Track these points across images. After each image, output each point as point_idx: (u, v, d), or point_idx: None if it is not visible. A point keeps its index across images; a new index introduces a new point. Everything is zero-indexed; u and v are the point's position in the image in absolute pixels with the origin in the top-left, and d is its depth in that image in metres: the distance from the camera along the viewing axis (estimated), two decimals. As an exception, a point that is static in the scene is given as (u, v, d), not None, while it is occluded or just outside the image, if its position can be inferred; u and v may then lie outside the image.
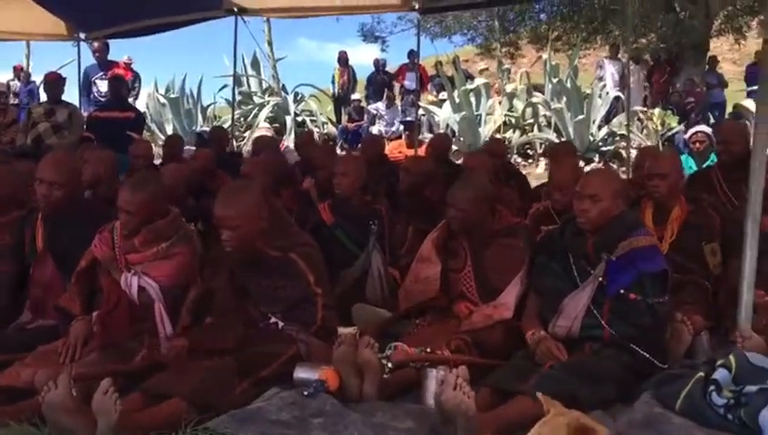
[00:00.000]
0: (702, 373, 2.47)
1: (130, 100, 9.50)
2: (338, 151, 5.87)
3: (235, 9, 7.08)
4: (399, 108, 12.88)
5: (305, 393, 2.61)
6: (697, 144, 6.89)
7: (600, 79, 12.55)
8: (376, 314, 3.75)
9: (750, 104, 11.35)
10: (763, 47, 3.02)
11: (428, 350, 2.79)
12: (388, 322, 3.66)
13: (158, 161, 6.46)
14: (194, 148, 8.26)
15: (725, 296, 3.54)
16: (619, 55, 13.26)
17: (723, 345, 3.12)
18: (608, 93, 11.75)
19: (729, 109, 12.31)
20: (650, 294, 2.87)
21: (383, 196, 4.55)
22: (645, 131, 11.16)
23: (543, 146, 11.57)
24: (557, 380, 2.59)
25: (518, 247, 3.35)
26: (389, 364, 2.67)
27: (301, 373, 2.80)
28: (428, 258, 3.53)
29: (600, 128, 11.36)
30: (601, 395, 2.64)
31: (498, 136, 11.53)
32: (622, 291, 2.88)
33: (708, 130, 6.55)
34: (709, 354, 3.01)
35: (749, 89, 12.10)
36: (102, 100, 8.50)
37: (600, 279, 2.91)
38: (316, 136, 12.46)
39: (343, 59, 14.06)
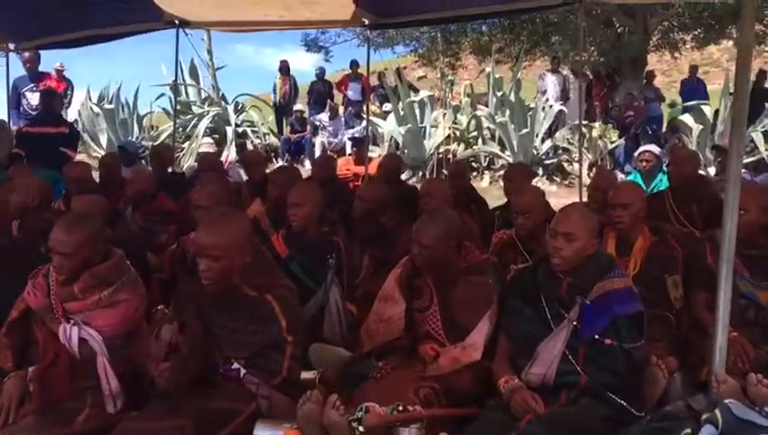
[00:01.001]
0: (689, 430, 2.38)
1: (63, 109, 9.05)
2: (290, 171, 5.61)
3: (177, 22, 6.77)
4: (343, 119, 12.70)
5: (268, 458, 2.42)
6: (644, 163, 6.96)
7: (543, 93, 12.66)
8: (335, 354, 3.57)
9: (687, 119, 11.65)
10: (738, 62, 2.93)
11: (400, 407, 2.61)
12: (348, 362, 3.48)
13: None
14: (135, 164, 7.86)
15: (689, 329, 3.51)
16: (560, 68, 13.46)
17: (695, 387, 3.06)
18: (551, 107, 11.86)
19: (665, 122, 12.64)
20: (626, 338, 2.79)
21: (339, 224, 4.36)
22: (587, 145, 11.29)
23: (488, 159, 11.60)
24: (537, 438, 2.47)
25: (486, 285, 3.22)
26: (360, 428, 2.49)
27: (262, 432, 2.60)
28: (392, 297, 3.36)
29: (543, 141, 11.45)
30: (582, 450, 2.54)
31: (443, 149, 11.51)
32: (597, 336, 2.78)
33: (656, 149, 6.61)
34: (682, 396, 2.95)
35: (686, 105, 12.40)
36: (33, 113, 8.05)
37: (575, 323, 2.81)
38: (258, 147, 12.19)
39: (285, 68, 13.82)
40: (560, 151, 11.53)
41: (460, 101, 12.85)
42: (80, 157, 8.45)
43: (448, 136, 11.75)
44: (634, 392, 2.82)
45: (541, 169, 11.06)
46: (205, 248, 2.73)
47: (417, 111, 11.88)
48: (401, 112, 11.70)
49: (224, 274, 2.75)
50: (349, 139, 10.40)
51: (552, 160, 11.30)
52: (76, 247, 2.77)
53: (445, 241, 3.17)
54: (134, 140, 12.00)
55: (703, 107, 11.55)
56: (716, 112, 11.80)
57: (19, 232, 3.79)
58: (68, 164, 5.55)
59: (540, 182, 10.32)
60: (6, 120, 7.73)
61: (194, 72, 13.87)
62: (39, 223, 3.77)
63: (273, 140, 13.16)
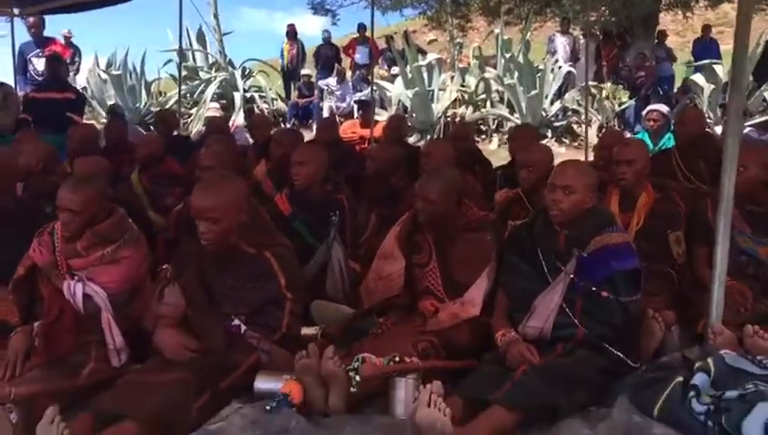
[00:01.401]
0: (681, 378, 2.41)
1: (71, 75, 9.06)
2: (293, 133, 5.62)
3: (180, -17, 6.72)
4: (350, 83, 12.63)
5: (267, 408, 2.47)
6: (652, 122, 6.91)
7: (552, 53, 12.51)
8: (337, 312, 3.61)
9: (698, 79, 11.50)
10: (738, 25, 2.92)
11: (397, 359, 2.65)
12: (350, 319, 3.52)
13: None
14: (138, 128, 7.90)
15: (690, 285, 3.53)
16: (570, 29, 13.27)
17: (692, 339, 3.08)
18: (560, 68, 11.73)
19: (678, 82, 12.48)
20: (622, 292, 2.81)
21: (344, 184, 4.38)
22: (596, 106, 11.19)
23: (496, 122, 11.53)
24: (531, 387, 2.50)
25: (485, 242, 3.24)
26: (357, 377, 2.53)
27: (262, 384, 2.65)
28: (391, 254, 3.39)
29: (552, 103, 11.35)
30: (576, 400, 2.58)
31: (451, 112, 11.44)
32: (594, 288, 2.80)
33: (664, 108, 6.55)
34: (679, 348, 2.98)
35: (697, 64, 12.23)
36: (39, 79, 8.05)
37: (572, 276, 2.83)
38: (266, 112, 12.17)
39: (292, 32, 13.71)
40: (569, 113, 11.43)
41: (468, 64, 12.72)
42: (88, 122, 8.46)
43: (456, 99, 11.67)
44: (630, 345, 2.85)
45: (549, 130, 10.99)
46: (202, 211, 2.77)
47: (425, 75, 11.79)
48: (409, 76, 11.61)
49: (222, 234, 2.80)
50: (355, 102, 10.34)
51: (561, 122, 11.21)
52: (83, 205, 2.81)
53: (447, 197, 3.20)
54: (140, 106, 12.01)
55: (715, 66, 11.39)
56: (729, 72, 11.63)
57: (24, 194, 3.83)
58: (72, 127, 5.56)
59: (548, 144, 10.26)
60: (13, 85, 7.72)
61: (201, 38, 13.80)
62: (43, 186, 3.81)
63: (280, 105, 13.11)
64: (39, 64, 8.19)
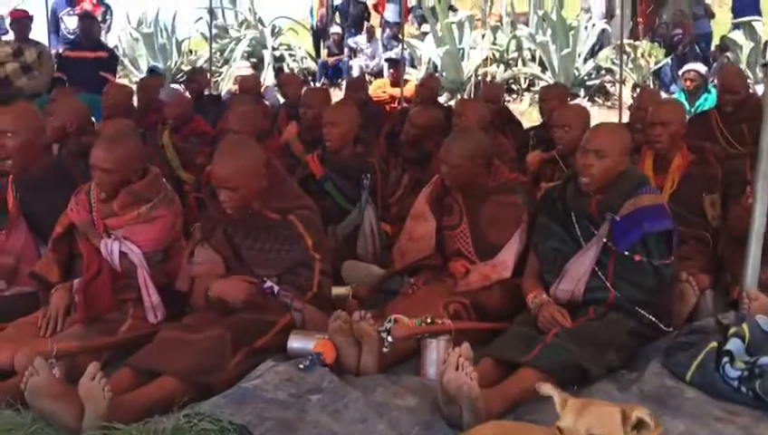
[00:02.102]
0: (715, 343, 2.39)
1: (103, 33, 9.07)
2: (322, 92, 5.60)
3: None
4: (380, 41, 12.49)
5: (301, 367, 2.51)
6: (688, 82, 6.77)
7: (587, 10, 12.22)
8: (368, 272, 3.64)
9: (737, 36, 11.17)
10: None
11: (429, 320, 2.67)
12: (381, 279, 3.55)
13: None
14: (176, 87, 7.92)
15: (725, 249, 3.48)
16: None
17: (727, 305, 3.05)
18: (594, 25, 11.46)
19: (716, 40, 12.13)
20: (656, 255, 2.78)
21: (376, 146, 4.37)
22: (631, 65, 10.94)
23: (528, 81, 11.35)
24: (563, 350, 2.51)
25: (516, 204, 3.22)
26: (389, 338, 2.56)
27: (295, 343, 2.69)
28: (422, 215, 3.39)
29: (585, 61, 11.13)
30: (607, 363, 2.58)
31: (482, 71, 11.28)
32: (627, 252, 2.77)
33: (702, 68, 6.41)
34: (713, 314, 2.95)
35: (735, 21, 11.85)
36: (71, 37, 8.10)
37: (605, 240, 2.80)
38: (295, 71, 12.11)
39: (322, -10, 13.54)
40: (602, 72, 11.20)
41: (500, 21, 12.48)
42: (120, 81, 8.51)
43: (487, 57, 11.49)
44: (663, 308, 2.83)
45: (582, 90, 10.79)
46: (221, 181, 2.78)
47: (456, 32, 11.59)
48: (439, 33, 11.44)
49: (242, 201, 2.81)
50: (385, 60, 10.24)
51: (594, 81, 11.00)
52: (116, 164, 2.82)
53: (472, 160, 3.16)
54: (171, 64, 12.03)
55: (755, 23, 11.04)
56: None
57: (60, 153, 3.88)
58: (106, 86, 5.61)
59: (581, 104, 10.09)
60: (47, 44, 7.78)
61: (231, -5, 13.73)
62: (79, 146, 3.85)
63: (310, 63, 13.02)
64: (71, 22, 8.22)
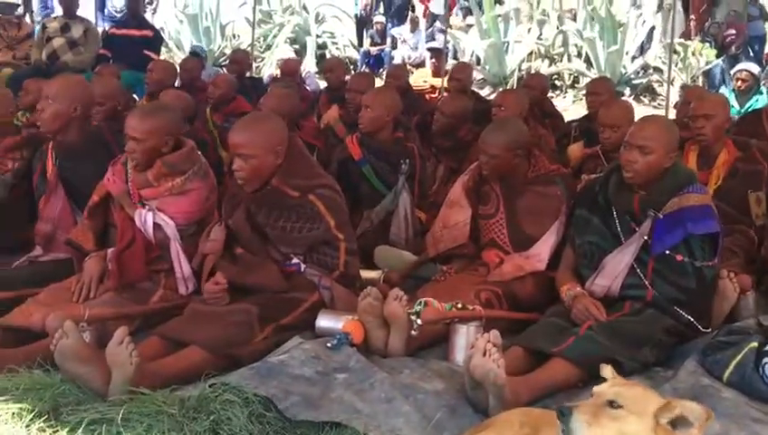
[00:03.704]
0: (755, 343, 2.31)
1: (149, 14, 9.20)
2: (366, 77, 5.57)
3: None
4: (423, 33, 12.41)
5: (328, 345, 2.49)
6: (739, 82, 6.60)
7: (637, 7, 11.96)
8: (400, 257, 3.61)
9: (793, 39, 10.84)
10: None
11: (459, 305, 2.63)
12: (413, 266, 3.52)
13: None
14: (218, 69, 7.98)
15: (768, 248, 3.37)
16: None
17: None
18: (644, 22, 11.21)
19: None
20: (699, 256, 2.68)
21: (415, 132, 4.33)
22: (680, 65, 10.69)
23: (572, 77, 11.16)
24: (596, 343, 2.44)
25: (555, 196, 3.15)
26: (419, 321, 2.52)
27: (323, 322, 2.68)
28: (458, 203, 3.34)
29: (633, 59, 10.90)
30: (641, 360, 2.51)
31: (526, 65, 11.13)
32: (668, 252, 2.68)
33: (755, 68, 6.22)
34: (755, 315, 2.85)
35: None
36: (117, 15, 8.21)
37: (645, 237, 2.71)
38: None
39: (366, -21, 13.50)
40: (650, 71, 10.97)
41: (547, 16, 12.30)
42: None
43: (532, 52, 11.33)
44: (702, 309, 2.73)
45: (628, 88, 10.57)
46: (236, 147, 2.76)
47: (501, 25, 11.46)
48: (484, 26, 11.32)
49: (254, 173, 2.77)
50: (427, 48, 10.15)
51: (641, 80, 10.77)
52: (146, 133, 2.83)
53: (511, 150, 3.10)
54: (214, 48, 12.12)
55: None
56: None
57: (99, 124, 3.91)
58: (151, 63, 5.66)
59: (625, 102, 9.89)
60: (93, 21, 7.90)
61: (276, -19, 13.77)
62: (119, 119, 3.88)
63: (352, 52, 13.01)
64: (117, 1, 8.32)
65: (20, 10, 8.31)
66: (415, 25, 12.33)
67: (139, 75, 6.02)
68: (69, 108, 3.14)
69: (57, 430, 2.06)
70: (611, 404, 1.54)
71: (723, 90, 9.62)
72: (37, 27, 7.63)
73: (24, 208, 3.33)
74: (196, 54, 7.72)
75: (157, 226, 2.87)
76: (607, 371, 1.71)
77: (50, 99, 3.11)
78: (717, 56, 10.73)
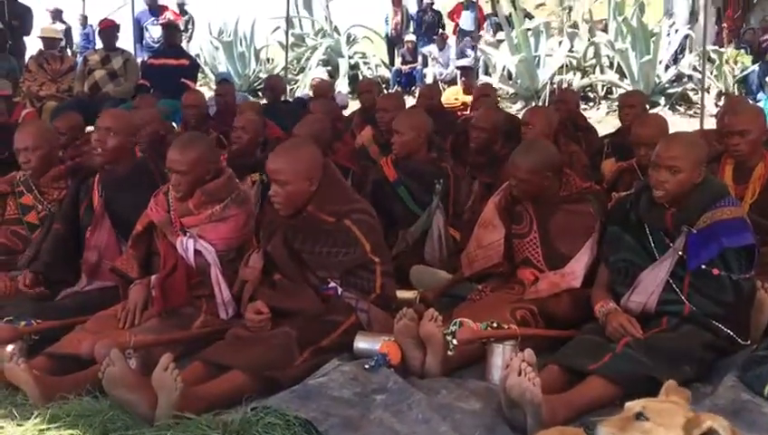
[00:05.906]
0: (795, 358, 2.28)
1: (184, 42, 9.42)
2: (396, 98, 5.64)
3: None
4: (454, 49, 12.47)
5: (366, 367, 2.54)
6: (777, 90, 6.48)
7: (670, 15, 11.86)
8: (435, 277, 3.64)
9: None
10: None
11: (495, 324, 2.65)
12: (448, 285, 3.55)
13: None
14: (246, 95, 8.14)
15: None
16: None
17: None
18: (677, 31, 11.10)
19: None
20: (735, 269, 2.66)
21: (447, 151, 4.37)
22: (715, 72, 10.56)
23: (605, 89, 11.09)
24: (634, 360, 2.44)
25: (587, 213, 3.15)
26: (454, 341, 2.55)
27: (361, 344, 2.72)
28: (491, 223, 3.36)
29: (666, 69, 10.80)
30: (681, 376, 2.48)
31: (558, 79, 11.10)
32: (704, 266, 2.67)
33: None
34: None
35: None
36: (155, 46, 8.45)
37: (680, 253, 2.71)
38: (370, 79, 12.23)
39: (397, -1, 13.63)
40: (684, 79, 10.84)
41: (578, 28, 12.26)
42: (200, 88, 8.80)
43: (563, 65, 11.30)
44: (741, 322, 2.71)
45: (663, 98, 10.46)
46: (272, 173, 2.86)
47: (532, 40, 11.45)
48: (515, 41, 11.33)
49: (290, 199, 2.85)
50: (457, 67, 10.20)
51: (675, 89, 10.66)
52: (190, 165, 2.95)
53: (540, 173, 3.12)
54: (249, 72, 12.35)
55: None
56: None
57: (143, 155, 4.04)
58: (185, 93, 5.82)
59: (661, 112, 9.78)
60: (132, 52, 8.13)
61: (308, 4, 13.98)
62: (160, 149, 4.01)
63: (384, 71, 13.14)
64: (155, 32, 8.58)
65: (62, 44, 8.60)
66: (443, 43, 12.41)
67: (177, 103, 6.18)
68: (128, 140, 3.31)
69: (108, 455, 2.13)
70: (639, 417, 1.55)
71: (760, 96, 9.49)
72: (79, 60, 7.89)
73: (72, 240, 3.43)
74: (225, 81, 7.90)
75: (197, 252, 2.97)
76: (670, 386, 1.71)
77: (112, 131, 3.25)
78: (753, 62, 10.58)
